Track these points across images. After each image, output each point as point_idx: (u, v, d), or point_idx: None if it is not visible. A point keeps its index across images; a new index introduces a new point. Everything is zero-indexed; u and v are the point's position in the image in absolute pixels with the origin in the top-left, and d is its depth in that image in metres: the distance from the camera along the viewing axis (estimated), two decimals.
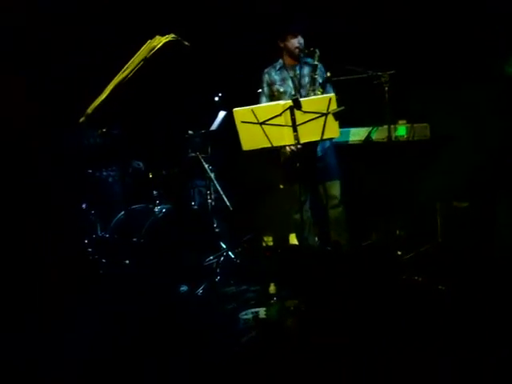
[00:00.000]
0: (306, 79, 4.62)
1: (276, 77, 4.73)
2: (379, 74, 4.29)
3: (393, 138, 4.74)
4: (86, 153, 4.85)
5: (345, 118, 4.14)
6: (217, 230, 5.02)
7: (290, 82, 4.69)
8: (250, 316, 3.82)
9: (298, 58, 4.65)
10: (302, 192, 4.29)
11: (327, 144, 4.63)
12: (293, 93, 4.62)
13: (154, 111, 5.54)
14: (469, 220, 4.67)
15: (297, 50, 4.59)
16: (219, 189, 5.01)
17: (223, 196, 4.99)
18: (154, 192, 4.90)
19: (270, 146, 4.06)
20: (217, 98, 5.13)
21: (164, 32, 3.74)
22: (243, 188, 5.55)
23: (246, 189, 5.55)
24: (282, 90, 4.69)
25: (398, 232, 4.64)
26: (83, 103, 3.97)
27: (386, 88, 4.26)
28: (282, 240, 5.42)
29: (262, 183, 5.32)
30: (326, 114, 3.93)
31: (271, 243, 5.54)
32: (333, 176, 4.65)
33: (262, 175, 5.25)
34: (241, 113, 4.03)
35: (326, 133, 3.99)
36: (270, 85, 4.74)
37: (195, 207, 5.23)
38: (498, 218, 4.54)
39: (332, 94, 4.01)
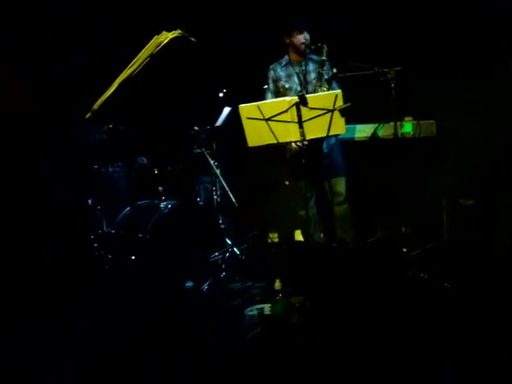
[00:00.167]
0: (312, 75, 4.61)
1: (281, 73, 4.72)
2: (385, 70, 4.27)
3: (399, 135, 4.73)
4: (91, 149, 4.86)
5: (351, 115, 4.13)
6: (222, 226, 5.03)
7: (295, 78, 4.68)
8: (255, 312, 3.83)
9: (303, 54, 4.64)
10: (307, 188, 4.28)
11: (333, 140, 4.62)
12: (298, 89, 4.61)
13: (159, 107, 5.55)
14: (475, 217, 4.66)
15: (303, 46, 4.57)
16: (225, 185, 5.01)
17: (229, 192, 4.99)
18: (160, 188, 4.91)
19: (275, 142, 4.05)
20: (222, 94, 5.13)
21: (166, 29, 3.74)
22: (249, 184, 5.55)
23: (252, 185, 5.55)
24: (287, 86, 4.68)
25: (403, 229, 4.62)
26: (87, 100, 3.98)
27: (393, 85, 4.24)
28: (288, 236, 5.42)
29: (268, 179, 5.32)
30: (332, 111, 3.93)
31: (276, 240, 5.54)
32: (338, 172, 4.65)
33: (267, 171, 5.25)
34: (246, 109, 4.03)
35: (332, 129, 3.99)
36: (276, 81, 4.73)
37: (201, 203, 5.23)
38: (501, 216, 4.53)
39: (338, 91, 4.01)
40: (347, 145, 4.89)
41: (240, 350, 3.33)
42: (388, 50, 4.96)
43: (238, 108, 4.06)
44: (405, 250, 4.43)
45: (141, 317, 3.69)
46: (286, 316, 3.72)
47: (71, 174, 4.45)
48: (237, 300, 4.23)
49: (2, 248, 3.70)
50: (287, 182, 4.97)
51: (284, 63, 4.73)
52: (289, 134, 4.02)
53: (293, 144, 4.41)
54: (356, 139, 5.13)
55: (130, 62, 3.78)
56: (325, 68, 4.49)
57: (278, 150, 4.53)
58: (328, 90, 4.40)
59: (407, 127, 5.01)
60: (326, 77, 4.50)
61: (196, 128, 5.12)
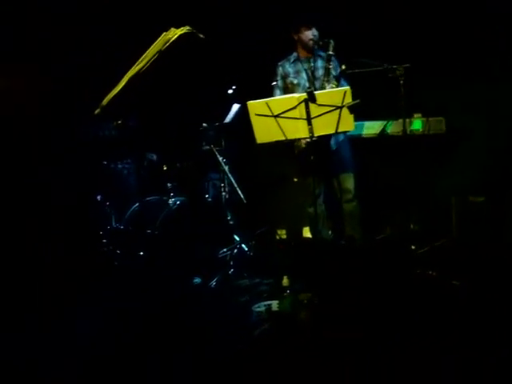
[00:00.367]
0: (320, 71, 4.60)
1: (290, 69, 4.72)
2: (394, 67, 4.26)
3: (408, 132, 4.71)
4: (101, 145, 4.88)
5: (360, 112, 4.12)
6: (230, 222, 5.03)
7: (303, 75, 4.67)
8: (262, 309, 3.83)
9: (312, 50, 4.63)
10: (315, 185, 4.28)
11: (341, 137, 4.61)
12: (307, 85, 4.60)
13: (168, 104, 5.55)
14: (484, 215, 4.64)
15: (311, 42, 4.56)
16: (233, 181, 5.02)
17: (237, 189, 5.00)
18: (169, 184, 4.92)
19: (284, 139, 4.05)
20: (231, 91, 5.13)
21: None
22: (257, 181, 5.55)
23: (260, 182, 5.54)
24: (295, 82, 4.68)
25: (412, 226, 4.62)
26: (96, 97, 3.99)
27: (402, 81, 4.23)
28: (296, 233, 5.42)
29: (276, 176, 5.31)
30: (340, 108, 3.92)
31: (285, 236, 5.54)
32: (347, 169, 4.64)
33: (275, 168, 5.25)
34: (255, 106, 4.03)
35: (340, 126, 3.98)
36: (284, 77, 4.72)
37: (209, 200, 5.24)
38: (510, 214, 4.51)
39: (347, 87, 4.00)
40: (356, 141, 4.88)
41: (247, 346, 3.33)
42: (397, 46, 4.94)
43: (246, 105, 4.06)
44: (413, 247, 4.42)
45: (149, 312, 3.71)
46: (293, 312, 3.72)
47: (80, 171, 4.47)
48: (245, 296, 4.24)
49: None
50: (295, 179, 4.97)
51: (292, 60, 4.73)
52: (297, 130, 4.02)
53: (301, 140, 4.41)
54: (365, 136, 5.12)
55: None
56: (331, 63, 4.47)
57: (286, 147, 4.53)
58: (337, 86, 4.39)
59: (416, 124, 5.00)
60: (333, 73, 4.49)
61: (205, 125, 5.13)
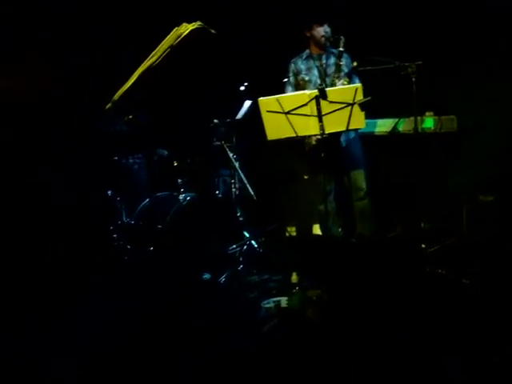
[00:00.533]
0: (332, 68, 4.59)
1: (302, 66, 4.72)
2: (406, 64, 4.25)
3: (419, 130, 4.70)
4: (112, 140, 4.89)
5: (371, 109, 4.12)
6: (240, 219, 5.04)
7: (315, 71, 4.67)
8: (271, 305, 3.84)
9: (324, 47, 4.63)
10: (326, 182, 4.28)
11: (352, 135, 4.61)
12: (318, 81, 4.60)
13: (179, 99, 5.56)
14: (494, 214, 4.62)
15: (323, 39, 4.57)
16: (243, 178, 5.02)
17: (247, 185, 5.00)
18: (179, 180, 4.92)
19: (294, 135, 4.05)
20: (242, 88, 5.13)
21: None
22: (267, 178, 5.55)
23: (271, 178, 5.55)
24: (307, 78, 4.68)
25: (422, 225, 4.61)
26: (106, 92, 4.00)
27: (413, 79, 4.22)
28: (305, 230, 5.42)
29: (287, 173, 5.31)
30: (351, 105, 3.91)
31: (294, 233, 5.54)
32: (358, 167, 4.63)
33: (286, 165, 5.25)
34: (266, 102, 4.03)
35: (351, 123, 3.98)
36: (296, 74, 4.73)
37: (219, 196, 5.25)
38: None
39: (358, 84, 3.99)
40: (367, 139, 4.87)
41: (256, 342, 3.34)
42: (409, 44, 4.92)
43: (257, 101, 4.07)
44: (423, 245, 4.41)
45: (158, 308, 3.72)
46: (302, 309, 3.72)
47: (90, 166, 4.48)
48: (254, 292, 4.25)
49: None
50: (306, 176, 4.97)
51: (305, 56, 4.73)
52: (308, 127, 4.02)
53: (312, 137, 4.41)
54: (376, 134, 5.11)
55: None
56: (342, 60, 4.47)
57: (297, 144, 4.53)
58: (348, 83, 4.38)
59: (428, 122, 4.98)
60: (345, 70, 4.49)
61: (216, 121, 5.13)
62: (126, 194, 4.93)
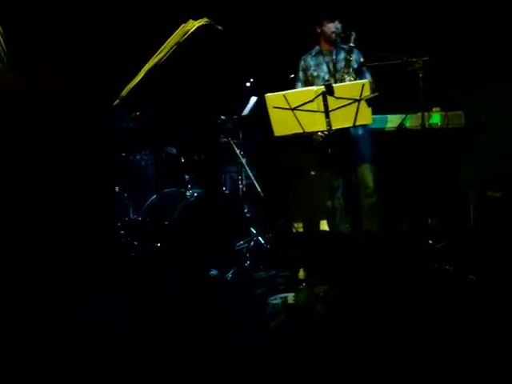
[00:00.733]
0: (342, 64, 4.59)
1: (311, 62, 4.72)
2: (413, 60, 4.24)
3: (426, 126, 4.69)
4: (119, 136, 4.90)
5: (378, 105, 4.11)
6: (247, 215, 5.04)
7: (324, 67, 4.67)
8: (278, 301, 3.84)
9: (334, 43, 4.63)
10: (333, 178, 4.27)
11: (360, 131, 4.60)
12: (326, 77, 4.59)
13: (186, 96, 5.57)
14: (502, 210, 4.61)
15: (333, 35, 4.56)
16: (250, 174, 5.03)
17: (254, 182, 5.01)
18: (186, 176, 4.94)
19: (301, 131, 4.05)
20: (248, 84, 5.13)
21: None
22: (274, 174, 5.56)
23: (277, 175, 5.55)
24: (315, 74, 4.68)
25: (429, 221, 4.60)
26: (114, 88, 4.01)
27: (421, 75, 4.21)
28: (313, 226, 5.42)
29: (293, 169, 5.31)
30: (358, 101, 3.91)
31: (301, 229, 5.54)
32: (365, 163, 4.63)
33: (293, 161, 5.25)
34: (273, 98, 4.03)
35: (358, 119, 3.97)
36: (305, 70, 4.74)
37: (226, 192, 5.26)
38: None
39: (365, 80, 3.99)
40: (374, 135, 4.86)
41: (263, 338, 3.34)
42: (416, 39, 4.91)
43: (264, 97, 4.06)
44: (431, 241, 4.40)
45: (164, 304, 3.73)
46: (309, 305, 3.72)
47: (98, 162, 4.49)
48: (261, 289, 4.24)
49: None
50: (313, 172, 4.96)
51: (314, 53, 4.74)
52: (315, 123, 4.02)
53: (319, 133, 4.40)
54: (383, 129, 5.09)
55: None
56: (353, 55, 4.46)
57: (304, 140, 4.52)
58: (355, 79, 4.38)
59: (435, 118, 4.97)
60: (354, 65, 4.48)
61: (223, 117, 5.13)
62: (133, 191, 4.94)
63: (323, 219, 5.18)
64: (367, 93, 3.89)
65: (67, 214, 4.02)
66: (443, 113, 4.97)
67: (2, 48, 3.43)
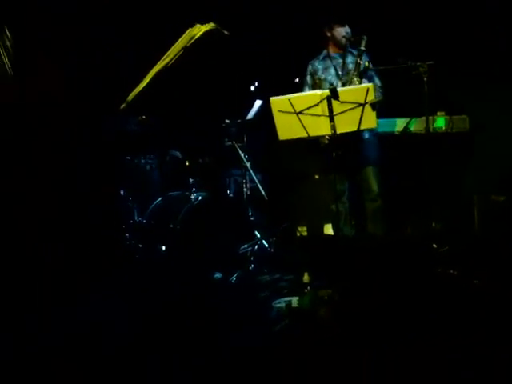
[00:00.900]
0: (350, 67, 4.60)
1: (319, 66, 4.74)
2: (418, 64, 4.23)
3: (431, 130, 4.69)
4: (124, 140, 4.91)
5: (383, 109, 4.11)
6: (252, 218, 5.04)
7: (331, 70, 4.69)
8: (283, 305, 3.84)
9: (343, 48, 4.64)
10: (338, 182, 4.28)
11: (366, 134, 4.60)
12: (334, 80, 4.61)
13: (191, 99, 5.57)
14: (506, 214, 4.60)
15: (343, 39, 4.58)
16: (255, 178, 5.03)
17: (259, 185, 5.01)
18: (191, 180, 4.94)
19: (306, 135, 4.05)
20: (253, 87, 5.14)
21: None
22: (278, 177, 5.56)
23: (282, 178, 5.55)
24: (323, 77, 4.69)
25: (434, 224, 4.59)
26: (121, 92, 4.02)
27: (425, 79, 4.20)
28: (317, 230, 5.42)
29: (298, 173, 5.31)
30: (363, 105, 3.91)
31: (305, 233, 5.54)
32: (370, 167, 4.63)
33: (297, 165, 5.25)
34: (278, 102, 4.04)
35: (363, 123, 3.97)
36: (313, 74, 4.75)
37: (231, 196, 5.26)
38: None
39: (370, 84, 3.99)
40: (379, 139, 4.86)
41: (267, 341, 3.35)
42: (421, 43, 4.91)
43: (269, 101, 4.07)
44: (435, 245, 4.40)
45: (168, 307, 3.73)
46: (313, 309, 3.72)
47: (103, 165, 4.50)
48: (265, 292, 4.24)
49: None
50: (316, 176, 4.96)
51: (322, 57, 4.75)
52: (320, 127, 4.02)
53: (325, 136, 4.39)
54: (388, 133, 5.09)
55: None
56: (362, 58, 4.46)
57: (309, 143, 4.52)
58: (360, 83, 4.38)
59: (440, 122, 4.97)
60: (361, 69, 4.48)
61: (227, 121, 5.14)
62: (138, 194, 4.96)
63: (327, 223, 5.18)
64: (372, 97, 3.90)
65: (71, 216, 4.03)
66: (448, 117, 4.98)
67: (9, 54, 3.45)
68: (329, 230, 5.13)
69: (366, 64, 4.44)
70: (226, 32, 3.70)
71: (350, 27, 4.59)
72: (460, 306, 3.41)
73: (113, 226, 4.75)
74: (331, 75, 4.68)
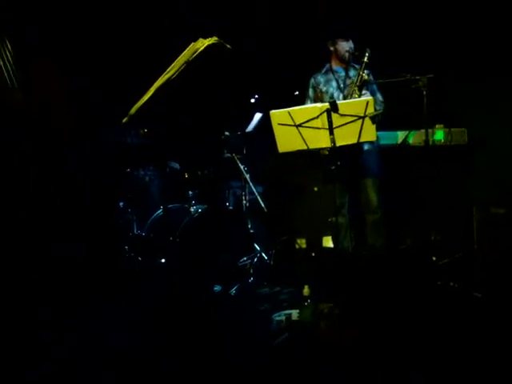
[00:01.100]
0: (352, 79, 4.62)
1: (321, 79, 4.78)
2: (417, 77, 4.25)
3: (430, 143, 4.70)
4: (124, 152, 4.92)
5: (382, 122, 4.12)
6: (251, 231, 5.04)
7: (333, 83, 4.72)
8: (283, 318, 3.82)
9: (346, 62, 4.67)
10: (338, 194, 4.28)
11: (366, 146, 4.62)
12: (335, 93, 4.63)
13: (190, 111, 5.59)
14: (505, 226, 4.61)
15: (347, 54, 4.62)
16: (254, 190, 5.03)
17: (258, 197, 5.02)
18: (190, 192, 4.94)
19: (306, 148, 4.06)
20: (253, 100, 5.16)
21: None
22: (278, 189, 5.56)
23: (281, 190, 5.56)
24: (324, 89, 4.73)
25: (433, 237, 4.60)
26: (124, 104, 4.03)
27: (424, 92, 4.22)
28: (316, 243, 5.42)
29: (297, 185, 5.32)
30: (362, 118, 3.92)
31: (304, 246, 5.54)
32: (370, 179, 4.64)
33: (297, 177, 5.26)
34: (277, 115, 4.05)
35: (362, 136, 3.98)
36: (315, 87, 4.78)
37: (230, 208, 5.26)
38: None
39: (369, 97, 4.00)
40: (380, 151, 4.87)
41: (267, 355, 3.34)
42: (420, 56, 4.94)
43: (269, 114, 4.08)
44: (434, 258, 4.40)
45: (168, 319, 3.72)
46: (313, 322, 3.72)
47: (103, 178, 4.50)
48: (264, 305, 4.23)
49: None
50: (316, 188, 4.97)
51: (325, 70, 4.80)
52: (319, 140, 4.02)
53: (325, 149, 4.40)
54: (387, 146, 5.10)
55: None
56: (365, 71, 4.47)
57: (309, 156, 4.53)
58: (359, 96, 4.39)
59: (438, 135, 4.99)
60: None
61: (227, 133, 5.15)
62: (137, 206, 4.95)
63: (327, 235, 5.18)
64: (371, 110, 3.91)
65: (69, 227, 4.02)
66: (446, 129, 4.99)
67: (11, 66, 3.46)
68: (328, 242, 5.13)
69: (366, 77, 4.46)
70: (228, 46, 3.70)
71: (353, 42, 4.62)
72: (460, 319, 3.41)
73: (112, 238, 4.73)
74: (333, 88, 4.71)
